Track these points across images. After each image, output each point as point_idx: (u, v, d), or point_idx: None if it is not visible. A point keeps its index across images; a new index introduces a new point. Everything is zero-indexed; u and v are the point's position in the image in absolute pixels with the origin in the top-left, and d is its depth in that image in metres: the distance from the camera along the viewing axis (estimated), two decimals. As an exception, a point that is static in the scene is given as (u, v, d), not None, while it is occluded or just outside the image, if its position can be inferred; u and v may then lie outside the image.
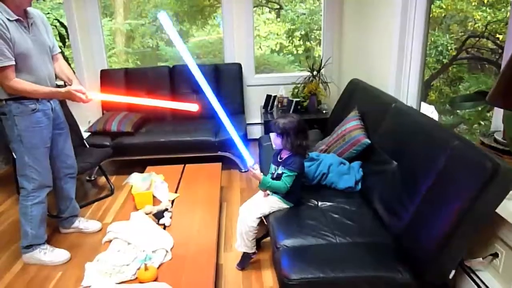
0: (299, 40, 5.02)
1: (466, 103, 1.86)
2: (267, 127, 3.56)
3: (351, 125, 2.39)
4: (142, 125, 3.58)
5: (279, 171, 2.02)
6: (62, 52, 2.72)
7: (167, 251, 1.85)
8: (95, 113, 3.83)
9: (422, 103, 2.66)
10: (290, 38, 5.06)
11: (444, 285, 1.60)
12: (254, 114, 4.22)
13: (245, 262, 2.15)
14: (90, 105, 2.42)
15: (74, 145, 2.50)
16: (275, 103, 3.89)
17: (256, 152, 3.04)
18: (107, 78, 3.92)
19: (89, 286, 1.68)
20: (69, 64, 2.65)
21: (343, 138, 2.39)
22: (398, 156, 1.94)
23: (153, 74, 3.94)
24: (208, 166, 2.92)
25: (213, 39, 5.10)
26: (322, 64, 3.87)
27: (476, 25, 3.57)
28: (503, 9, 3.32)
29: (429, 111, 2.89)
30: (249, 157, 1.92)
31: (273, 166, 2.10)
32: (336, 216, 1.94)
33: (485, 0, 3.50)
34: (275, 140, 2.04)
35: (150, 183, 2.43)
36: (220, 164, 2.95)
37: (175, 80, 3.91)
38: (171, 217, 2.17)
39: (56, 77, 2.27)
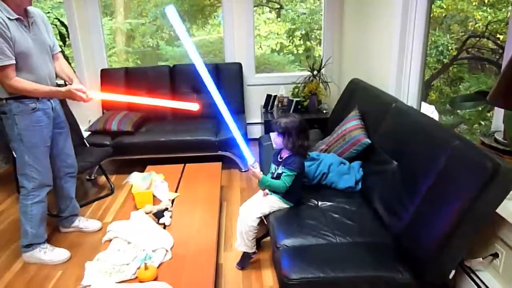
0: (299, 39, 5.02)
1: (466, 103, 1.86)
2: (267, 127, 3.56)
3: (352, 124, 2.39)
4: (142, 125, 3.58)
5: (279, 171, 2.02)
6: (62, 51, 2.72)
7: (167, 251, 1.85)
8: (95, 112, 3.83)
9: (423, 103, 2.66)
10: (291, 37, 5.06)
11: (444, 285, 1.60)
12: (254, 113, 4.22)
13: (245, 261, 2.15)
14: (90, 104, 2.42)
15: (74, 144, 2.50)
16: (275, 102, 3.89)
17: (256, 152, 3.04)
18: (107, 78, 3.91)
19: (89, 285, 1.68)
20: (70, 63, 2.65)
21: (343, 138, 2.39)
22: (398, 156, 1.94)
23: (154, 73, 3.94)
24: (208, 165, 2.92)
25: (214, 38, 5.10)
26: (323, 64, 3.87)
27: (477, 25, 3.57)
28: (503, 9, 3.32)
29: (429, 111, 2.89)
30: (249, 155, 1.92)
31: (273, 166, 2.10)
32: (336, 216, 1.94)
33: (486, 0, 3.50)
34: (276, 140, 2.04)
35: (150, 182, 2.43)
36: (220, 163, 2.95)
37: (175, 79, 3.91)
38: (171, 217, 2.17)
39: (57, 76, 2.27)
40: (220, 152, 3.38)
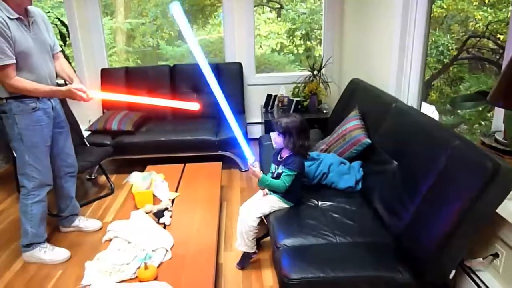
0: (299, 39, 5.02)
1: (466, 103, 1.86)
2: (268, 127, 3.55)
3: (352, 124, 2.39)
4: (143, 124, 3.58)
5: (279, 170, 2.02)
6: (62, 51, 2.71)
7: (167, 250, 1.85)
8: (95, 112, 3.82)
9: (423, 103, 2.66)
10: (291, 37, 5.06)
11: (444, 285, 1.60)
12: (255, 113, 4.22)
13: (245, 261, 2.15)
14: (91, 104, 2.42)
15: (74, 144, 2.50)
16: (276, 102, 3.89)
17: (257, 152, 3.04)
18: (108, 77, 3.91)
19: (89, 285, 1.68)
20: (70, 63, 2.65)
21: (344, 137, 2.39)
22: (398, 156, 1.94)
23: (154, 73, 3.94)
24: (209, 165, 2.92)
25: (214, 38, 5.10)
26: (323, 64, 3.87)
27: (477, 25, 3.57)
28: (504, 9, 3.32)
29: (429, 111, 2.89)
30: (250, 154, 1.92)
31: (273, 165, 2.10)
32: (336, 215, 1.94)
33: (486, 0, 3.50)
34: (276, 139, 2.04)
35: (150, 182, 2.43)
36: (220, 163, 2.95)
37: (175, 79, 3.90)
38: (171, 216, 2.17)
39: (57, 75, 2.27)
40: (220, 152, 3.38)
